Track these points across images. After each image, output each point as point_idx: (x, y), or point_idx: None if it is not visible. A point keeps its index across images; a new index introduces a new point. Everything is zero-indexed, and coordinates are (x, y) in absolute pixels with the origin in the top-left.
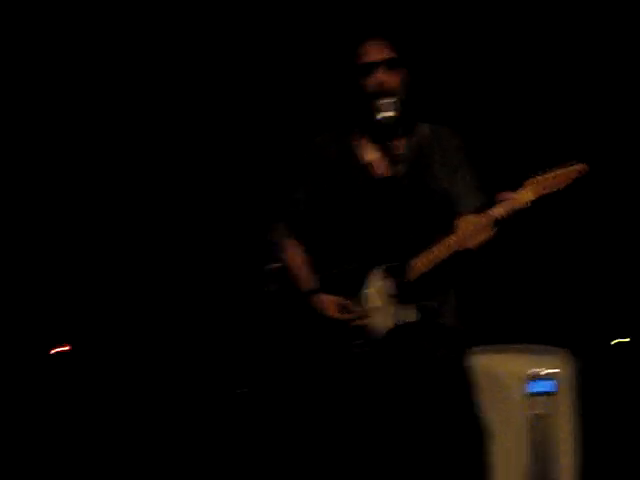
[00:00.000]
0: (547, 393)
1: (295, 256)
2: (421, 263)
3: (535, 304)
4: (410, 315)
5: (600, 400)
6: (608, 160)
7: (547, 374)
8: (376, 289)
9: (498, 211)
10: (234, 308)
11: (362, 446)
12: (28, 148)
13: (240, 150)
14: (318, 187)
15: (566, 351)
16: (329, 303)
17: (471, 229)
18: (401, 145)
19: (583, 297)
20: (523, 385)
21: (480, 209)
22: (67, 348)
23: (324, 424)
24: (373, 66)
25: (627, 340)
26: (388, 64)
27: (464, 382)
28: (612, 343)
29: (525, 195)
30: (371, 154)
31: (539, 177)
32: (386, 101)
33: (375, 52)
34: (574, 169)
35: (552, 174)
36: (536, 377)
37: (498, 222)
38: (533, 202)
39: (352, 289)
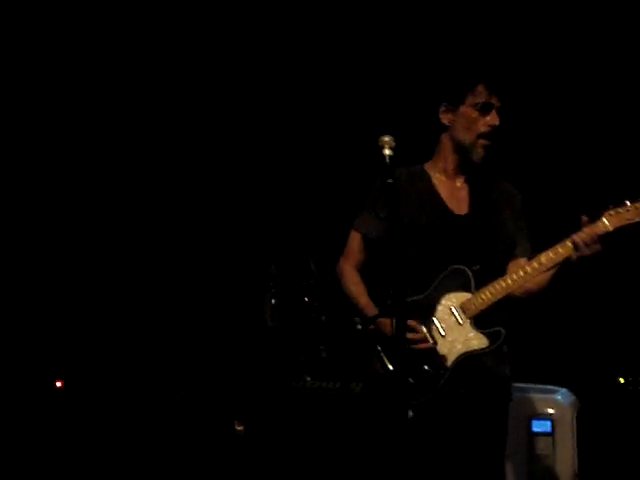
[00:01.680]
0: (547, 433)
1: (357, 284)
2: (485, 295)
3: (537, 343)
4: (478, 342)
5: (600, 439)
6: None
7: (547, 414)
8: (445, 317)
9: (579, 236)
10: (233, 341)
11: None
12: (28, 151)
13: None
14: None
15: (566, 391)
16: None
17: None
18: (464, 187)
19: (584, 336)
20: (524, 425)
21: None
22: (60, 384)
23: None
24: (491, 107)
25: (627, 380)
26: (499, 112)
27: (504, 421)
28: (617, 381)
29: (603, 225)
30: (444, 188)
31: (617, 208)
32: (387, 139)
33: (494, 97)
34: None
35: (630, 206)
36: (536, 417)
37: (576, 248)
38: (611, 233)
39: (421, 316)
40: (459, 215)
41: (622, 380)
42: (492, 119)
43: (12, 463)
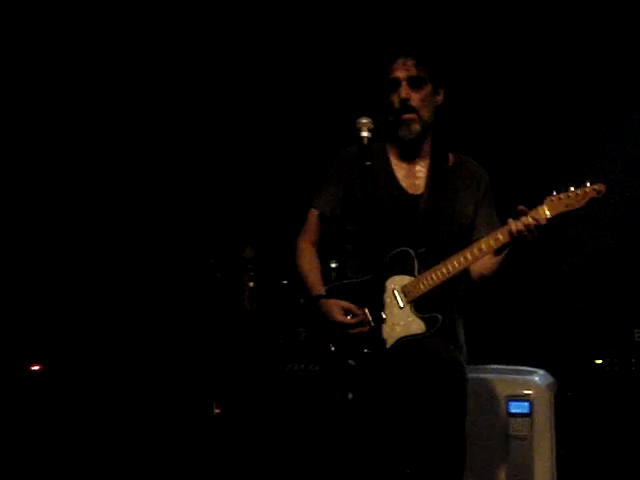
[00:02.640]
0: (524, 414)
1: (309, 261)
2: (426, 280)
3: (514, 324)
4: (417, 327)
5: (578, 420)
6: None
7: (525, 395)
8: (388, 300)
9: (515, 225)
10: (211, 325)
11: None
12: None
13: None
14: (347, 193)
15: (544, 372)
16: (335, 307)
17: (482, 249)
18: (426, 165)
19: (562, 318)
20: (501, 406)
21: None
22: (38, 367)
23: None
24: (398, 82)
25: (604, 361)
26: (411, 82)
27: (461, 400)
28: (595, 362)
29: (543, 212)
30: (400, 167)
31: (559, 195)
32: (364, 121)
33: (401, 69)
34: (592, 188)
35: (572, 192)
36: (514, 398)
37: (513, 236)
38: (550, 220)
39: (365, 299)
40: (412, 195)
41: (599, 361)
42: (400, 93)
43: None
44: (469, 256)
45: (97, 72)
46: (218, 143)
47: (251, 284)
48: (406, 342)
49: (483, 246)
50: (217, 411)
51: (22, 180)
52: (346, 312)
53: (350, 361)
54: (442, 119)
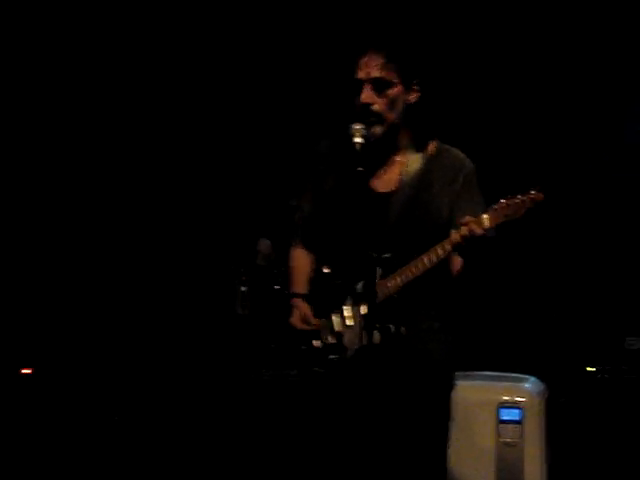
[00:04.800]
0: (515, 421)
1: (300, 264)
2: (390, 285)
3: (505, 331)
4: (375, 337)
5: (569, 428)
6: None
7: (516, 402)
8: (351, 307)
9: (454, 237)
10: (203, 329)
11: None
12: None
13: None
14: (317, 194)
15: (535, 379)
16: (297, 311)
17: (438, 254)
18: (406, 160)
19: (554, 324)
20: (492, 413)
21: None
22: (29, 371)
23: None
24: (360, 83)
25: (596, 368)
26: (376, 84)
27: (431, 406)
28: (586, 369)
29: (484, 221)
30: (372, 164)
31: (499, 204)
32: (357, 127)
33: (365, 69)
34: (529, 197)
35: (510, 201)
36: (505, 405)
37: (456, 247)
38: (495, 229)
39: (332, 305)
40: (381, 193)
41: (590, 369)
42: (361, 97)
43: None
44: (426, 261)
45: (97, 72)
46: (214, 150)
47: (243, 289)
48: (366, 351)
49: (439, 251)
50: None
51: (20, 180)
52: (304, 319)
53: (316, 369)
54: (432, 107)
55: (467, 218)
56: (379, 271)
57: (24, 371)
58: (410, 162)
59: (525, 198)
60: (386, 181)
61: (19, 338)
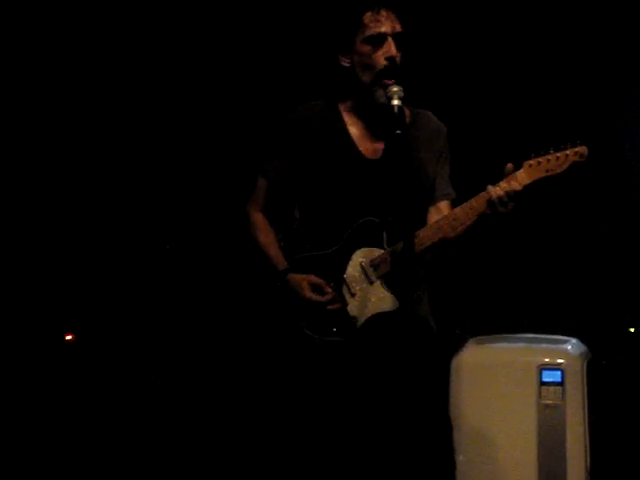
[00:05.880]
0: (557, 383)
1: (267, 233)
2: (425, 235)
3: (547, 293)
4: (389, 304)
5: (611, 389)
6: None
7: (557, 364)
8: (356, 275)
9: (495, 191)
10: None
11: (333, 436)
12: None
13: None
14: (298, 158)
15: (576, 341)
16: (304, 283)
17: (457, 217)
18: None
19: (594, 285)
20: (533, 375)
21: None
22: (70, 337)
23: (295, 415)
24: (384, 37)
25: (638, 330)
26: (397, 39)
27: (435, 377)
28: (628, 330)
29: (522, 177)
30: (356, 129)
31: (538, 158)
32: (395, 89)
33: (387, 23)
34: (574, 151)
35: (552, 156)
36: (546, 367)
37: (492, 204)
38: (530, 185)
39: (331, 273)
40: (371, 159)
41: (633, 330)
42: (387, 49)
43: (22, 417)
44: (443, 224)
45: (97, 72)
46: (234, 141)
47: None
48: (378, 318)
49: (458, 213)
50: None
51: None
52: (315, 288)
53: (317, 339)
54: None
55: (510, 165)
56: (385, 236)
57: (67, 337)
58: (393, 128)
59: (568, 152)
60: (373, 147)
61: (62, 305)
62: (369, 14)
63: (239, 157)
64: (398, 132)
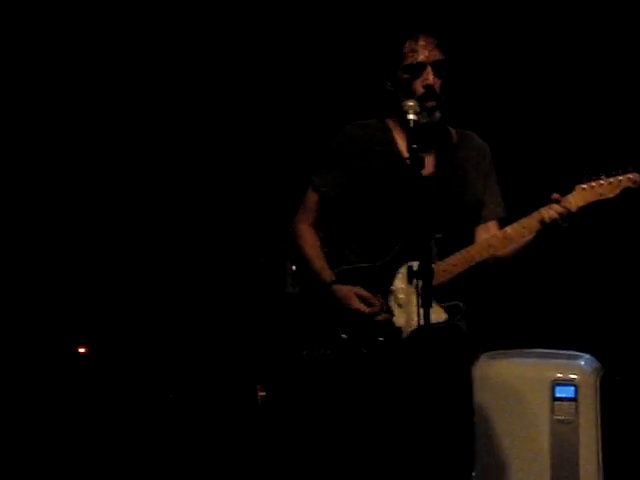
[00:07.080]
0: (570, 399)
1: (313, 245)
2: (476, 251)
3: (560, 308)
4: (437, 316)
5: (624, 405)
6: None
7: (570, 379)
8: (403, 287)
9: (547, 212)
10: (251, 309)
11: (369, 442)
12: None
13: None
14: (351, 173)
15: (590, 357)
16: (351, 294)
17: (509, 236)
18: (433, 145)
19: (608, 301)
20: (547, 390)
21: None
22: (83, 350)
23: (336, 421)
24: (423, 66)
25: None
26: (435, 66)
27: (470, 387)
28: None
29: (576, 200)
30: (405, 149)
31: (591, 182)
32: (410, 104)
33: (425, 52)
34: (627, 177)
35: (604, 180)
36: (559, 382)
37: (544, 224)
38: (582, 209)
39: (377, 285)
40: (422, 177)
41: None
42: (424, 78)
43: (35, 429)
44: (494, 242)
45: (97, 72)
46: (262, 142)
47: (293, 268)
48: (422, 331)
49: (509, 231)
50: (262, 394)
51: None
52: (362, 299)
53: (363, 349)
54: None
55: (556, 195)
56: (435, 251)
57: (80, 350)
58: (442, 146)
59: (621, 177)
60: (425, 164)
61: (75, 317)
62: (408, 43)
63: (247, 164)
64: (414, 146)
